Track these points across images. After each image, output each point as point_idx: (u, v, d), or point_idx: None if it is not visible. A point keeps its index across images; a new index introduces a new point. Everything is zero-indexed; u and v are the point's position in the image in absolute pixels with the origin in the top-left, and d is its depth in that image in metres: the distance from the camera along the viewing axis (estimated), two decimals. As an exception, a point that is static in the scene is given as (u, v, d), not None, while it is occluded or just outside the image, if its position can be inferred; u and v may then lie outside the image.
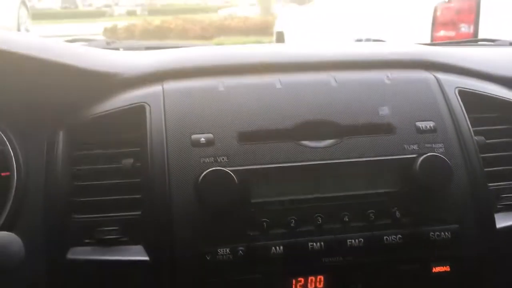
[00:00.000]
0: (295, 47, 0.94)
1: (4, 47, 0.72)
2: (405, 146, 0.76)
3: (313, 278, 0.73)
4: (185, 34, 9.73)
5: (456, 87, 0.83)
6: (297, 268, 0.72)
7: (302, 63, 0.85)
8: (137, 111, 0.77)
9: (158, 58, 0.85)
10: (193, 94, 0.77)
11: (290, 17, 6.37)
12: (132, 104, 0.77)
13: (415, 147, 0.76)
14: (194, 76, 0.81)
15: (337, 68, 0.84)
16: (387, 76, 0.82)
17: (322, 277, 0.73)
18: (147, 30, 9.72)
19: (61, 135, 0.76)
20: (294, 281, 0.72)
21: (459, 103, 0.81)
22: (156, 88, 0.78)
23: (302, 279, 0.72)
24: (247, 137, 0.74)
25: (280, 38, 6.11)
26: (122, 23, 10.73)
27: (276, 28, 6.98)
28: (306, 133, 0.75)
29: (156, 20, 10.74)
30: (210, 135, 0.73)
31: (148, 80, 0.80)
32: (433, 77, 0.83)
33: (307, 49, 0.91)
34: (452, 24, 4.35)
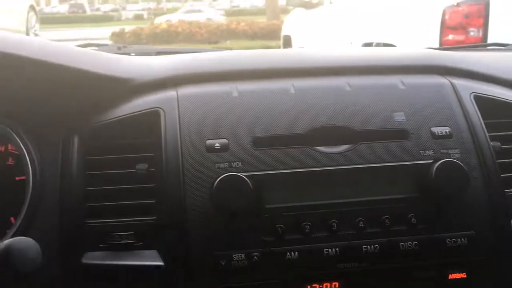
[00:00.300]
0: (309, 52, 0.93)
1: (20, 52, 0.72)
2: (421, 151, 0.75)
3: (328, 284, 0.72)
4: (192, 38, 9.77)
5: (472, 93, 0.82)
6: (312, 274, 0.72)
7: (315, 68, 0.84)
8: (152, 116, 0.77)
9: (172, 63, 0.85)
10: (207, 99, 0.77)
11: (297, 21, 6.37)
12: (146, 109, 0.77)
13: (430, 152, 0.75)
14: (208, 81, 0.81)
15: (350, 73, 0.84)
16: (402, 81, 0.82)
17: (337, 284, 0.72)
18: (154, 34, 9.77)
19: (75, 140, 0.76)
20: (308, 287, 0.72)
21: (475, 109, 0.80)
22: (170, 93, 0.79)
23: (317, 285, 0.72)
24: (261, 142, 0.74)
25: (287, 42, 6.11)
26: (129, 27, 10.79)
27: (283, 32, 6.98)
28: (320, 138, 0.75)
29: (163, 24, 10.80)
30: (225, 140, 0.73)
31: (162, 85, 0.80)
32: (448, 82, 0.83)
33: (321, 54, 0.91)
34: (461, 28, 4.33)
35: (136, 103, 0.79)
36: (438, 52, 0.98)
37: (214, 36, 9.89)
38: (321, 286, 0.72)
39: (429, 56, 0.92)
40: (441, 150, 0.76)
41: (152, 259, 0.71)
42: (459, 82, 0.84)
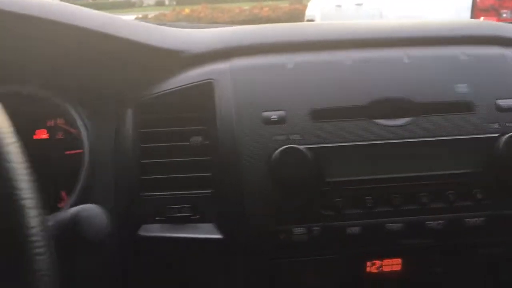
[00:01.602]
0: (364, 24, 0.90)
1: (75, 22, 0.71)
2: (486, 124, 0.72)
3: (390, 260, 0.70)
4: (214, 23, 9.72)
5: None
6: (373, 250, 0.70)
7: (372, 39, 0.81)
8: (205, 88, 0.75)
9: (224, 35, 0.83)
10: (262, 71, 0.75)
11: (321, 5, 6.27)
12: (199, 81, 0.76)
13: (496, 126, 0.72)
14: (262, 53, 0.78)
15: (408, 44, 0.80)
16: (463, 52, 0.78)
17: (399, 260, 0.70)
18: (177, 19, 9.75)
19: (129, 113, 0.75)
20: (369, 263, 0.70)
21: None
22: (223, 65, 0.77)
23: (378, 261, 0.70)
24: (319, 114, 0.71)
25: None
26: (152, 13, 10.81)
27: (307, 17, 6.89)
28: (380, 111, 0.72)
29: (186, 9, 10.78)
30: (282, 112, 0.71)
31: (215, 57, 0.78)
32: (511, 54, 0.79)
33: (377, 26, 0.88)
34: (492, 10, 4.20)
35: (189, 75, 0.77)
36: (497, 23, 0.94)
37: (237, 21, 9.82)
38: (382, 262, 0.70)
39: (489, 27, 0.88)
40: (508, 124, 0.72)
41: (209, 232, 0.70)
42: None
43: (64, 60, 0.75)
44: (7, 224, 0.38)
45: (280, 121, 0.71)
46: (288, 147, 0.67)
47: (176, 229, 0.70)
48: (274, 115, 0.71)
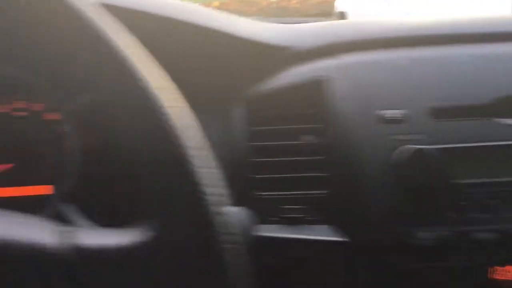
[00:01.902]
0: (478, 16, 0.86)
1: (199, 22, 0.70)
2: None
3: None
4: (243, 16, 9.67)
5: None
6: (501, 256, 0.67)
7: (486, 34, 0.78)
8: (315, 85, 0.73)
9: (329, 30, 0.80)
10: (375, 67, 0.72)
11: (353, -4, 6.16)
12: (309, 77, 0.73)
13: None
14: (372, 48, 0.75)
15: None
16: None
17: None
18: (206, 12, 9.76)
19: (237, 110, 0.74)
20: (496, 270, 0.67)
21: None
22: (333, 61, 0.74)
23: (506, 268, 0.67)
24: (441, 113, 0.68)
25: (342, 19, 5.93)
26: (180, 6, 10.82)
27: (337, 9, 6.79)
28: (504, 109, 0.69)
29: (215, 2, 10.78)
30: (401, 111, 0.68)
31: (323, 52, 0.76)
32: None
33: (491, 18, 0.84)
34: (539, 1, 4.07)
35: (297, 72, 0.75)
36: None
37: (265, 14, 9.78)
38: (509, 269, 0.67)
39: None
40: None
41: (327, 234, 0.68)
42: None
43: (174, 57, 0.73)
44: (202, 231, 0.36)
45: (398, 120, 0.68)
46: (410, 147, 0.65)
47: (291, 230, 0.69)
48: (390, 113, 0.68)
